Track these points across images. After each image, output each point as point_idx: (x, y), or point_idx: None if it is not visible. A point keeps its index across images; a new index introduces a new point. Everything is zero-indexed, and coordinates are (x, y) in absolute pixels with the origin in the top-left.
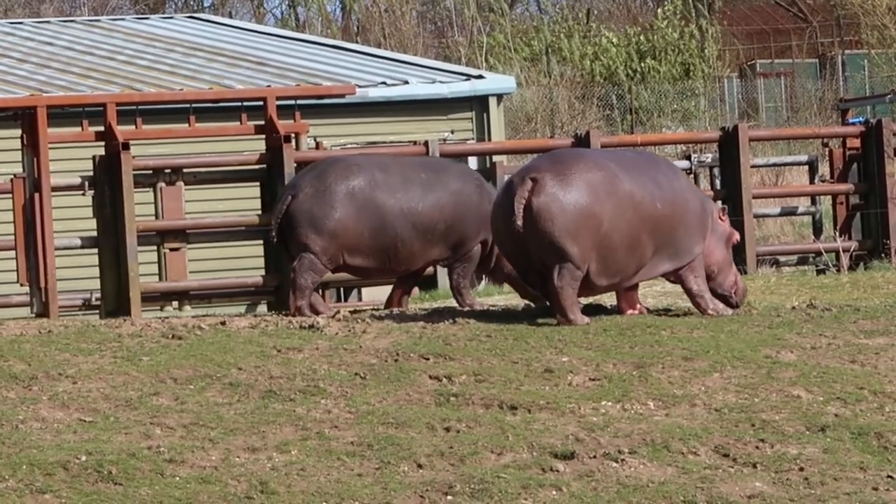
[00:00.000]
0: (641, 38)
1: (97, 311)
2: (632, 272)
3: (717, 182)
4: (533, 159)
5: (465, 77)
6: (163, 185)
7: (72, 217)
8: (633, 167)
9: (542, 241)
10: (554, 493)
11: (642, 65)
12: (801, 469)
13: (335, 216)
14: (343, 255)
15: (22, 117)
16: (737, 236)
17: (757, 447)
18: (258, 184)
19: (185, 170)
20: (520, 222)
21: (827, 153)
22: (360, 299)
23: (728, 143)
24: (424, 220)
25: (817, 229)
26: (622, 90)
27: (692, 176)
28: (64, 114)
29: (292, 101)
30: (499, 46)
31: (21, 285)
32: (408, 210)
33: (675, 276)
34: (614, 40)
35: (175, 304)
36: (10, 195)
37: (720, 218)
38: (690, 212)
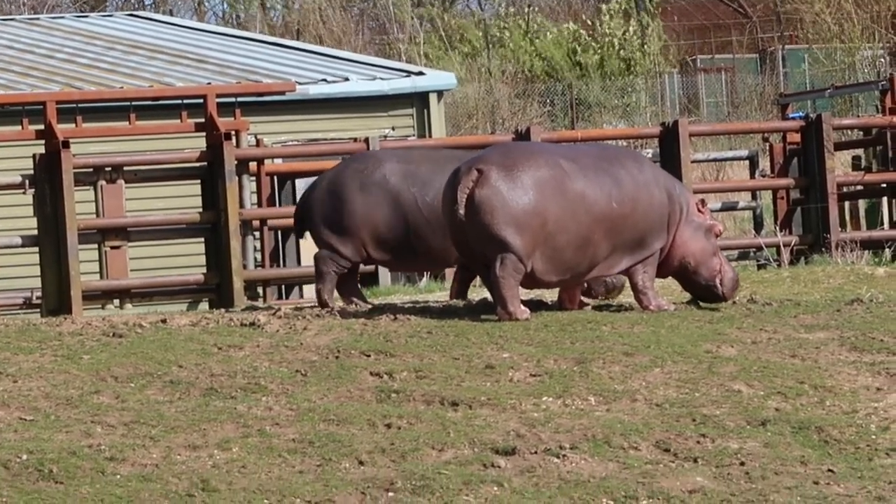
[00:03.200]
0: (582, 33)
1: (38, 310)
2: (584, 270)
3: None
4: (486, 149)
5: (405, 74)
6: (103, 183)
7: (12, 216)
8: (591, 165)
9: (482, 232)
10: (495, 488)
11: (590, 59)
12: (742, 463)
13: (351, 209)
14: (365, 247)
15: None
16: (719, 227)
17: (698, 442)
18: (199, 181)
19: (125, 168)
20: (462, 212)
21: (767, 148)
22: (301, 296)
23: (668, 139)
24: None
25: (758, 224)
26: (564, 85)
27: None
28: (4, 112)
29: (233, 99)
30: (439, 42)
31: None
32: (423, 202)
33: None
34: (555, 35)
35: (116, 302)
36: None
37: (699, 210)
38: (654, 206)
